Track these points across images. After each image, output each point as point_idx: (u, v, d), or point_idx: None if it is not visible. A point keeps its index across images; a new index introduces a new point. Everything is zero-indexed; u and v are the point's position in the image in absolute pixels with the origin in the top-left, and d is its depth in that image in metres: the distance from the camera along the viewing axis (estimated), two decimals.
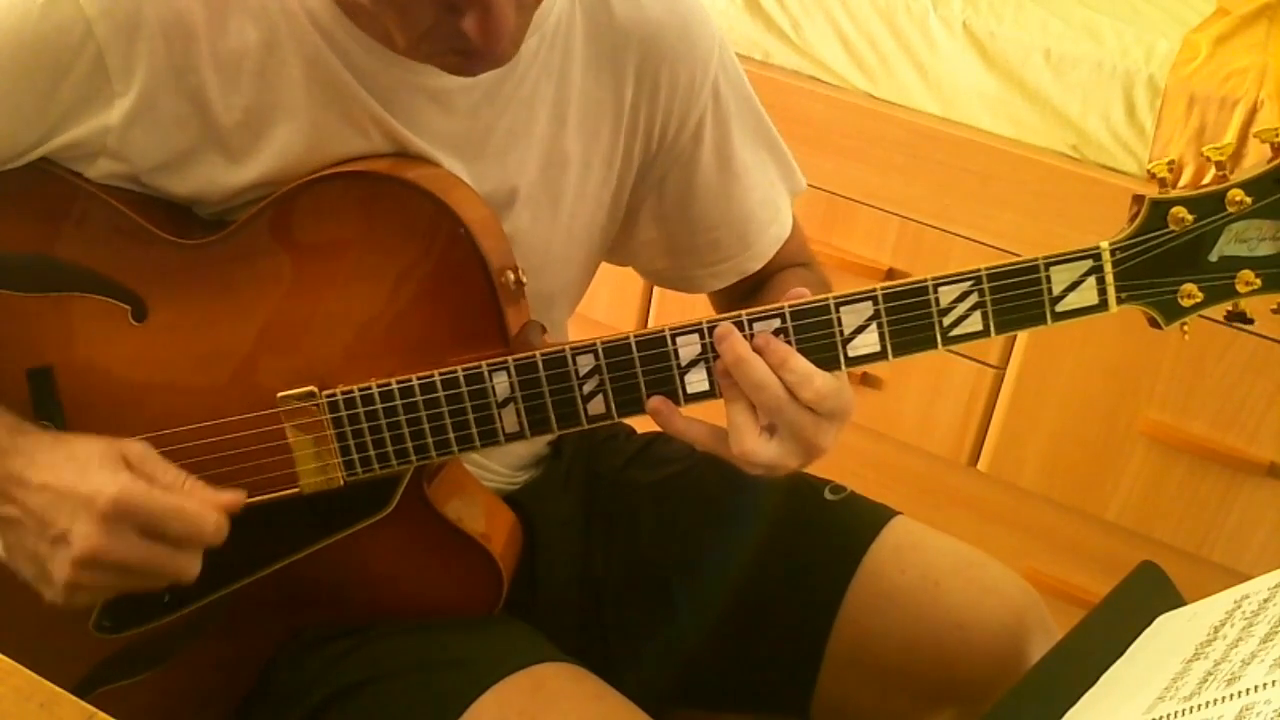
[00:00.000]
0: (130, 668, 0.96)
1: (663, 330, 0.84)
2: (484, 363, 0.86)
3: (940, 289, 0.82)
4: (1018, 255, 0.82)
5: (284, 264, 0.88)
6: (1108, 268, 0.81)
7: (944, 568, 1.04)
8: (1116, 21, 1.72)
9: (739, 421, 0.83)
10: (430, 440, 0.88)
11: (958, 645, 1.00)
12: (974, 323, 0.83)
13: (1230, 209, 0.79)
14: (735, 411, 0.83)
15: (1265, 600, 0.72)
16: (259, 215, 0.88)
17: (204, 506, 0.84)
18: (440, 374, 0.86)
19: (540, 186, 0.97)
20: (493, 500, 1.02)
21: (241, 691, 0.98)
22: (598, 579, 1.09)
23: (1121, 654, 0.78)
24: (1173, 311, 0.83)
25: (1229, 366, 1.68)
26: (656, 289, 2.04)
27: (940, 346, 0.84)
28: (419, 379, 0.86)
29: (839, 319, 0.83)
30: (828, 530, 1.07)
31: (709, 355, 0.84)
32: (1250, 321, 0.84)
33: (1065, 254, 0.81)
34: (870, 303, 0.83)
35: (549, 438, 1.12)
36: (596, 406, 0.87)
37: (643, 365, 0.85)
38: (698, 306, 1.11)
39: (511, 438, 0.88)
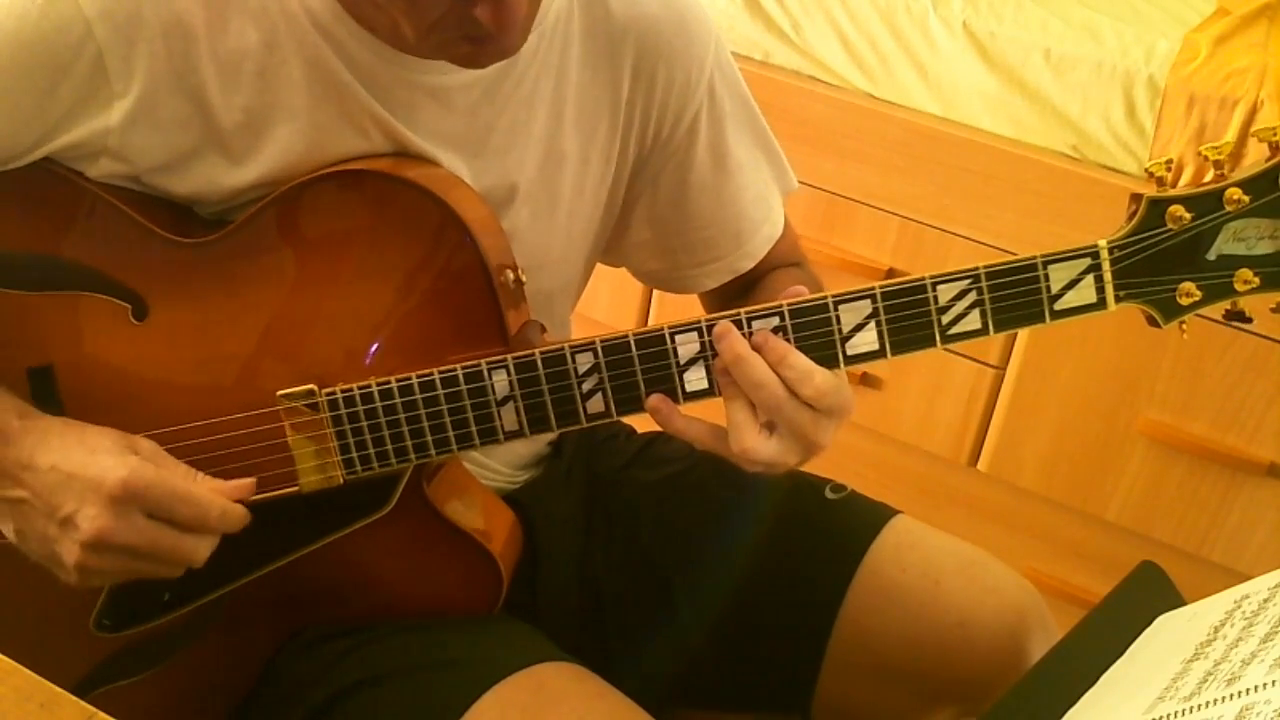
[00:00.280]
0: (130, 668, 0.96)
1: (661, 329, 0.84)
2: (483, 361, 0.86)
3: (939, 287, 0.82)
4: (1017, 255, 0.82)
5: (283, 263, 0.89)
6: (1106, 266, 0.81)
7: (945, 566, 1.04)
8: (1116, 21, 1.72)
9: (738, 419, 0.83)
10: (429, 439, 0.88)
11: (959, 644, 1.00)
12: (972, 321, 0.83)
13: (1228, 207, 0.79)
14: (734, 409, 0.83)
15: (1265, 600, 0.72)
16: (258, 214, 0.88)
17: (212, 492, 0.84)
18: (439, 372, 0.86)
19: (539, 184, 0.97)
20: (492, 499, 1.02)
21: (242, 691, 0.98)
22: (598, 578, 1.09)
23: (1121, 654, 0.78)
24: (1171, 310, 0.83)
25: (1229, 366, 1.68)
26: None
27: (939, 345, 0.83)
28: (418, 377, 0.86)
29: (837, 317, 0.83)
30: (828, 529, 1.07)
31: (708, 353, 0.84)
32: (1249, 320, 0.84)
33: (1063, 252, 0.81)
34: (869, 301, 0.82)
35: (549, 437, 1.12)
36: (595, 405, 0.87)
37: (641, 364, 0.85)
38: (698, 306, 1.11)
39: (510, 436, 0.88)
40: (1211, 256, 0.81)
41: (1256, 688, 0.63)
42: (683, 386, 0.85)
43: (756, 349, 0.82)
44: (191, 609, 0.93)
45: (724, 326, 0.83)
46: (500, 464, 1.08)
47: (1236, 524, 1.74)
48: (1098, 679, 0.76)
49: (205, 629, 0.95)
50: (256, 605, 0.95)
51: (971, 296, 0.82)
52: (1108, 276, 0.81)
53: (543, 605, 1.06)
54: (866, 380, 1.91)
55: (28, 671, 0.72)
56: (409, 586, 0.97)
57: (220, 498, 0.85)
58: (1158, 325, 0.83)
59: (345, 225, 0.88)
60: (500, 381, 0.86)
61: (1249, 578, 0.76)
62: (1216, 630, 0.72)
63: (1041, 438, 1.84)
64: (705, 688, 1.09)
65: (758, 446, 0.83)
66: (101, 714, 0.69)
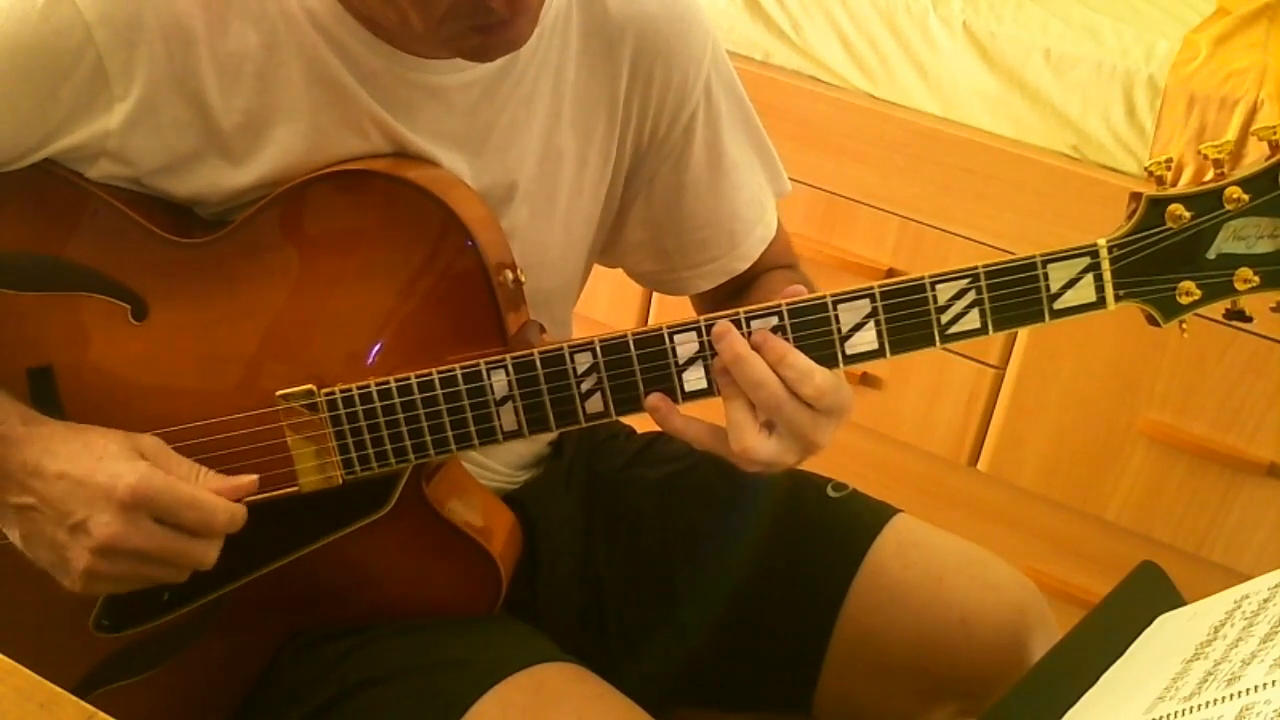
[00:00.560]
0: (130, 668, 0.96)
1: (660, 328, 0.84)
2: (482, 361, 0.86)
3: (938, 286, 0.82)
4: (1017, 255, 0.82)
5: (282, 263, 0.89)
6: (1105, 265, 0.81)
7: (946, 565, 1.04)
8: (1116, 21, 1.72)
9: (738, 419, 0.83)
10: (429, 439, 0.88)
11: (960, 641, 1.00)
12: (972, 320, 0.83)
13: (1228, 206, 0.79)
14: (734, 409, 0.83)
15: (1265, 600, 0.72)
16: (258, 215, 0.88)
17: (217, 497, 0.85)
18: (438, 372, 0.86)
19: (538, 182, 0.97)
20: (492, 500, 1.02)
21: (242, 692, 0.98)
22: (599, 578, 1.09)
23: (1121, 654, 0.78)
24: (1171, 309, 0.83)
25: (1229, 366, 1.68)
26: None
27: (938, 344, 0.83)
28: (417, 378, 0.86)
29: (836, 316, 0.83)
30: (830, 528, 1.07)
31: (707, 353, 0.84)
32: (1249, 320, 0.84)
33: (1063, 251, 0.81)
34: (868, 300, 0.82)
35: (549, 437, 1.12)
36: (594, 405, 0.86)
37: (640, 363, 0.85)
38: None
39: (509, 436, 0.88)
40: (1211, 255, 0.81)
41: (1256, 688, 0.63)
42: (682, 386, 0.85)
43: (756, 348, 0.82)
44: (191, 609, 0.93)
45: (723, 326, 0.83)
46: (500, 464, 1.08)
47: (1236, 524, 1.74)
48: (1098, 679, 0.75)
49: (205, 629, 0.95)
50: (256, 605, 0.95)
51: (971, 296, 0.82)
52: (1107, 275, 0.81)
53: (543, 605, 1.06)
54: (866, 380, 1.91)
55: (28, 671, 0.72)
56: (409, 587, 0.97)
57: (226, 501, 0.85)
58: (1157, 324, 0.83)
59: (344, 225, 0.89)
60: (499, 381, 0.86)
61: (1249, 578, 0.76)
62: (1216, 630, 0.72)
63: (1041, 438, 1.84)
64: (706, 687, 1.09)
65: (757, 446, 0.83)
66: (101, 714, 0.69)
